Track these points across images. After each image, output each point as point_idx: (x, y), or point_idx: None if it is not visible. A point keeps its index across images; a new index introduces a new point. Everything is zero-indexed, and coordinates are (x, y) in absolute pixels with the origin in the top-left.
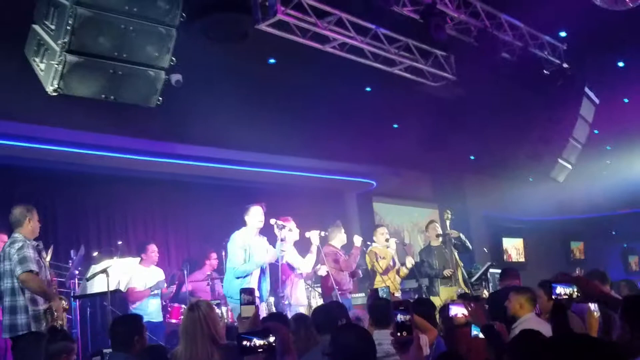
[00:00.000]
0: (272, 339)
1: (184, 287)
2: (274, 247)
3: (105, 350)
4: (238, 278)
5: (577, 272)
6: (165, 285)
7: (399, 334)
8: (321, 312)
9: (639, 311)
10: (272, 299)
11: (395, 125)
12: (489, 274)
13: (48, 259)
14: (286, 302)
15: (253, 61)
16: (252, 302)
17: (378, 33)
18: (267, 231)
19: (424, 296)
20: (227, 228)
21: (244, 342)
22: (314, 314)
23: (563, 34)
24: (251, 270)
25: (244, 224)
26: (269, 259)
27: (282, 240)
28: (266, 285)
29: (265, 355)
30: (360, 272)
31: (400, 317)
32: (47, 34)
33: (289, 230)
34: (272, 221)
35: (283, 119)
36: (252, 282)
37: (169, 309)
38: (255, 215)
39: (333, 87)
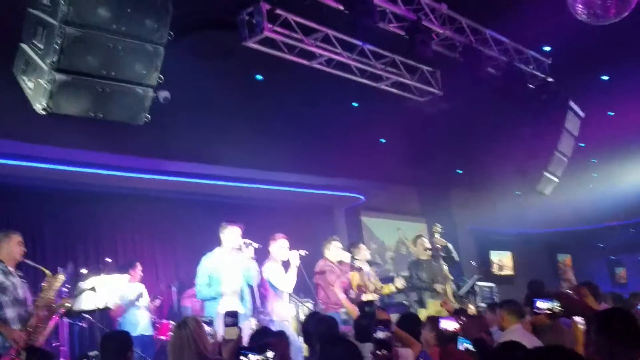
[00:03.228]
0: (270, 354)
1: (185, 302)
2: (259, 265)
3: (90, 353)
4: (205, 300)
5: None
6: (149, 299)
7: (378, 351)
8: (324, 323)
9: (613, 325)
10: (253, 320)
11: (383, 140)
12: (476, 287)
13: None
14: (268, 319)
15: (240, 78)
16: (235, 324)
17: (364, 49)
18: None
19: (412, 310)
20: (216, 245)
21: (242, 358)
22: (317, 324)
23: (547, 48)
24: (215, 296)
25: (219, 242)
26: (240, 285)
27: (250, 258)
28: (247, 305)
29: None
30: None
31: (379, 335)
32: (36, 53)
33: (255, 247)
34: (241, 241)
35: (271, 134)
36: (227, 305)
37: (157, 325)
38: (230, 235)
39: (320, 103)
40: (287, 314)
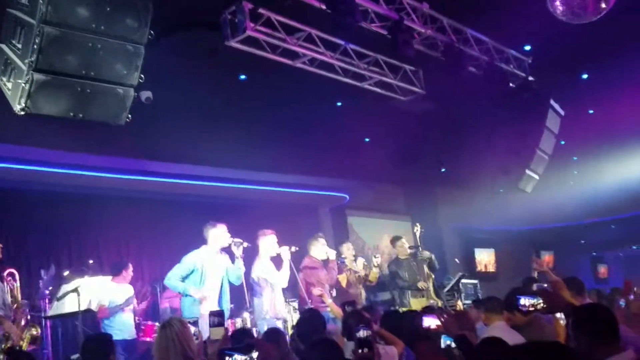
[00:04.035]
0: (254, 354)
1: (163, 303)
2: (247, 263)
3: (72, 357)
4: (183, 295)
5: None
6: (135, 301)
7: (360, 350)
8: (304, 323)
9: (591, 320)
10: (247, 315)
11: (367, 139)
12: (460, 285)
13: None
14: (267, 317)
15: (224, 77)
16: (221, 324)
17: (347, 48)
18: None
19: (397, 308)
20: (200, 245)
21: (226, 358)
22: (297, 324)
23: (528, 47)
24: (182, 292)
25: (204, 241)
26: (219, 286)
27: (239, 257)
28: (226, 305)
29: None
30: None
31: (361, 333)
32: (14, 53)
33: (245, 246)
34: (229, 240)
35: (255, 134)
36: (206, 305)
37: (142, 327)
38: (217, 233)
39: (304, 103)
40: (283, 312)
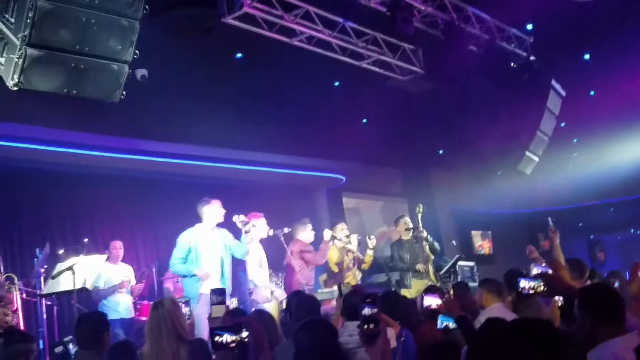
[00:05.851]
0: (244, 334)
1: (166, 283)
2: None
3: (66, 339)
4: (179, 275)
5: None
6: (134, 282)
7: (365, 326)
8: (301, 304)
9: (596, 300)
10: (234, 300)
11: (364, 120)
12: (457, 267)
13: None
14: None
15: (220, 56)
16: (223, 302)
17: (346, 26)
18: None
19: (395, 289)
20: (195, 224)
21: (216, 338)
22: (296, 306)
23: (530, 26)
24: (185, 274)
25: (199, 219)
26: (219, 263)
27: (246, 232)
28: (227, 283)
29: (237, 351)
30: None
31: (367, 311)
32: (7, 28)
33: (253, 226)
34: (235, 218)
35: (251, 114)
36: (207, 283)
37: (138, 306)
38: (212, 209)
39: (301, 82)
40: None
